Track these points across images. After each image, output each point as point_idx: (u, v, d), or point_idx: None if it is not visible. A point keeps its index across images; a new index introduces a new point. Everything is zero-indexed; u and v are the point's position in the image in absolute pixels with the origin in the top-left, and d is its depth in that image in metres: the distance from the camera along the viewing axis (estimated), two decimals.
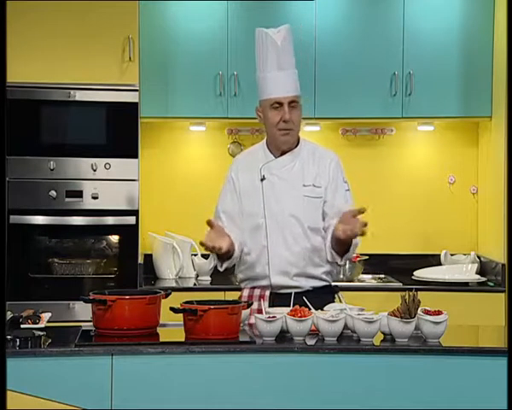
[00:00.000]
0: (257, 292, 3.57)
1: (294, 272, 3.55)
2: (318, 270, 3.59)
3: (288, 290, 3.50)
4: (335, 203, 3.57)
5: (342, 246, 3.49)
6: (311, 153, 3.65)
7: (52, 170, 4.81)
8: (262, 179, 3.59)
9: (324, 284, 3.62)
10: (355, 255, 5.10)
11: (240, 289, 3.70)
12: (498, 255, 4.96)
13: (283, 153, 3.61)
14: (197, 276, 5.20)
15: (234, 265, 3.67)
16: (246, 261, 3.62)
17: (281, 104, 3.53)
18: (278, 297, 3.48)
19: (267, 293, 3.55)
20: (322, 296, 3.47)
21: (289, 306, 3.20)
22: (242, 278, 3.67)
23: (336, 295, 3.68)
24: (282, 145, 3.59)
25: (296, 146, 3.63)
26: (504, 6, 4.78)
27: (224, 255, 3.53)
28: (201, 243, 3.40)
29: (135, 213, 4.86)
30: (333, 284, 3.69)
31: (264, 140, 3.69)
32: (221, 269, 3.63)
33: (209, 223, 3.43)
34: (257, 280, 3.59)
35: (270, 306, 3.44)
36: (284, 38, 3.55)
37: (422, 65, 5.10)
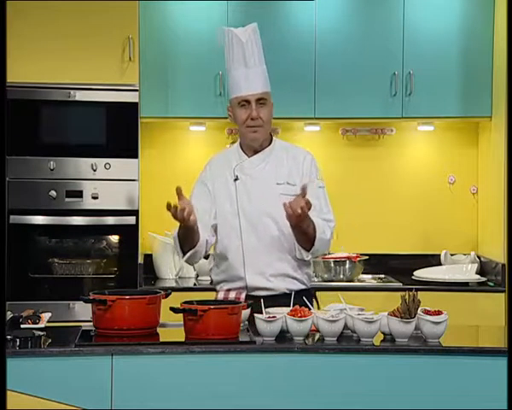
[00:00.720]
0: (232, 295, 3.52)
1: (270, 273, 3.52)
2: (294, 270, 3.55)
3: (264, 293, 3.47)
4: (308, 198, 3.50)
5: (301, 236, 3.44)
6: (284, 151, 3.62)
7: (52, 170, 4.81)
8: (235, 179, 3.57)
9: (301, 287, 3.57)
10: (354, 255, 5.11)
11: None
12: (498, 255, 4.96)
13: (256, 152, 3.59)
14: (197, 276, 5.20)
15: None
16: (221, 262, 3.59)
17: (248, 102, 3.51)
18: (254, 300, 3.37)
19: (243, 296, 3.50)
20: (298, 301, 3.30)
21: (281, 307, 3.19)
22: (218, 279, 3.63)
23: (314, 299, 3.61)
24: (251, 142, 3.57)
25: (269, 145, 3.61)
26: (504, 6, 4.78)
27: (189, 239, 3.45)
28: (169, 206, 3.30)
29: (135, 213, 4.86)
30: (310, 286, 3.64)
31: (238, 140, 3.67)
32: (183, 258, 3.56)
33: (178, 190, 3.35)
34: (232, 281, 3.55)
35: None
36: (249, 35, 3.53)
37: (422, 65, 5.10)
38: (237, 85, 3.54)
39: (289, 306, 3.18)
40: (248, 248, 3.52)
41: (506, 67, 4.60)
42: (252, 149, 3.60)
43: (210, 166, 3.69)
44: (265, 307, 3.16)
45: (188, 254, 3.52)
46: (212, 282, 3.74)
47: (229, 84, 3.61)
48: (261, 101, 3.53)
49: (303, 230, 3.43)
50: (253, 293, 3.52)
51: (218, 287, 3.65)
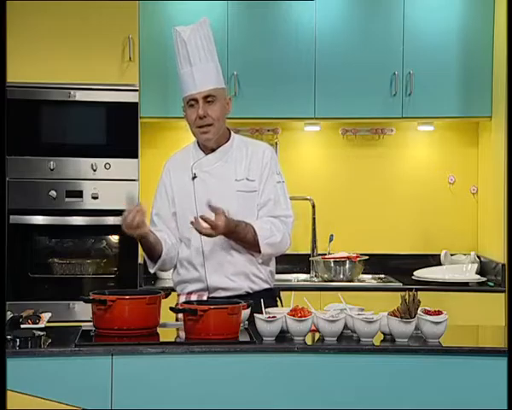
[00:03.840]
0: (193, 298, 3.45)
1: (231, 271, 3.46)
2: (256, 268, 3.50)
3: (225, 293, 3.44)
4: (264, 193, 3.49)
5: (240, 244, 3.43)
6: (243, 147, 3.56)
7: (52, 170, 4.81)
8: (193, 178, 3.51)
9: (264, 286, 3.53)
10: (354, 255, 5.11)
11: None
12: (498, 255, 4.96)
13: (213, 150, 3.54)
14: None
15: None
16: (181, 263, 3.54)
17: (196, 101, 3.46)
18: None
19: (204, 298, 3.44)
20: (263, 300, 3.25)
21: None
22: (178, 280, 3.56)
23: (278, 299, 3.59)
24: (203, 142, 3.52)
25: (227, 141, 3.56)
26: (504, 6, 4.78)
27: (154, 252, 3.45)
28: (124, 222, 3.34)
29: None
30: (274, 285, 3.60)
31: (195, 139, 3.60)
32: (152, 270, 3.54)
33: (129, 198, 3.39)
34: (193, 282, 3.50)
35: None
36: (193, 32, 3.46)
37: (422, 65, 5.10)
38: (184, 85, 3.49)
39: (256, 306, 3.14)
40: (208, 247, 3.46)
41: (506, 67, 4.60)
42: (208, 147, 3.54)
43: (168, 166, 3.63)
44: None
45: (157, 265, 3.50)
46: (172, 281, 3.66)
47: (179, 84, 3.55)
48: (209, 98, 3.45)
49: (239, 239, 3.41)
50: (215, 294, 3.46)
51: (178, 289, 3.58)
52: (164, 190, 3.59)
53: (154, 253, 3.48)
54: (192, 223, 3.33)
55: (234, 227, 3.38)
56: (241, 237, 3.42)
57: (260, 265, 3.52)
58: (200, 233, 3.34)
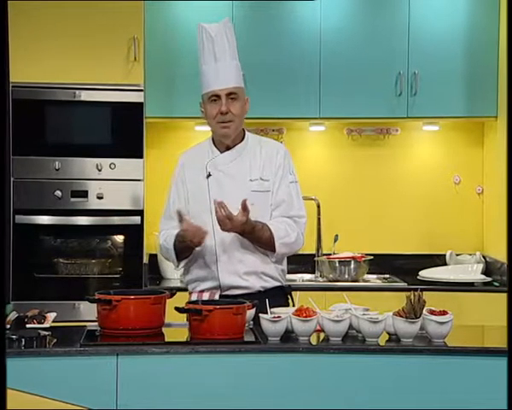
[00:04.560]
0: (206, 296, 3.47)
1: (244, 270, 3.48)
2: (269, 267, 3.52)
3: (238, 291, 3.45)
4: (278, 193, 3.52)
5: (256, 243, 3.46)
6: (257, 146, 3.58)
7: (57, 170, 4.81)
8: (208, 176, 3.53)
9: (276, 284, 3.54)
10: (359, 255, 5.11)
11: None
12: (504, 255, 4.95)
13: (228, 148, 3.56)
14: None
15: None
16: (193, 261, 3.55)
17: (218, 97, 3.48)
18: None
19: (216, 297, 3.45)
20: (274, 299, 3.33)
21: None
22: (190, 279, 3.58)
23: (289, 296, 3.60)
24: (222, 138, 3.54)
25: (242, 140, 3.58)
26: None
27: (187, 252, 3.48)
28: (181, 234, 3.36)
29: (140, 213, 4.87)
30: (285, 284, 3.62)
31: (211, 136, 3.64)
32: (178, 268, 3.57)
33: (180, 213, 3.38)
34: (206, 281, 3.51)
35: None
36: (220, 30, 3.49)
37: (428, 65, 5.09)
38: (207, 80, 3.50)
39: (264, 305, 3.15)
40: (221, 246, 3.48)
41: (506, 67, 4.59)
42: (224, 145, 3.56)
43: (182, 164, 3.65)
44: None
45: (182, 263, 3.54)
46: (181, 281, 3.69)
47: (200, 80, 3.55)
48: (232, 95, 3.48)
49: (256, 239, 3.45)
50: (227, 292, 3.48)
51: (190, 287, 3.59)
52: (180, 186, 3.61)
53: (188, 252, 3.50)
54: (217, 203, 3.34)
55: (251, 229, 3.42)
56: (257, 237, 3.45)
57: (272, 263, 3.53)
58: (219, 221, 3.34)
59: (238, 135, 3.57)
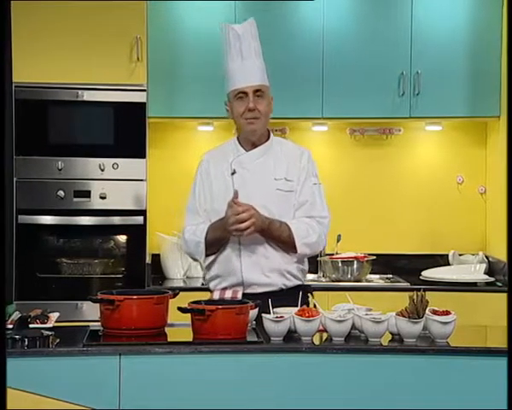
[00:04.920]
0: (228, 294, 3.48)
1: (267, 268, 3.50)
2: (291, 266, 3.54)
3: (261, 289, 3.47)
4: (302, 194, 3.55)
5: (276, 244, 3.48)
6: (281, 147, 3.62)
7: (60, 170, 4.82)
8: (232, 173, 3.55)
9: (297, 282, 3.57)
10: (361, 255, 5.10)
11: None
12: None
13: (254, 147, 3.58)
14: (205, 276, 5.19)
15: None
16: (217, 257, 3.56)
17: (246, 94, 3.51)
18: (251, 299, 3.28)
19: (239, 295, 3.46)
20: (294, 297, 3.31)
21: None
22: (212, 275, 3.59)
23: (310, 295, 3.62)
24: (249, 135, 3.56)
25: (267, 140, 3.61)
26: None
27: (218, 245, 3.50)
28: (231, 223, 3.37)
29: (142, 213, 4.87)
30: (306, 283, 3.65)
31: (236, 135, 3.66)
32: (206, 262, 3.57)
33: (236, 193, 3.41)
34: (228, 277, 3.53)
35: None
36: (246, 28, 3.54)
37: (430, 65, 5.09)
38: (234, 78, 3.53)
39: (288, 302, 3.16)
40: (245, 242, 3.49)
41: (506, 68, 4.58)
42: (249, 143, 3.58)
43: (207, 160, 3.66)
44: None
45: (209, 259, 3.55)
46: (204, 278, 3.69)
47: (226, 79, 3.58)
48: (258, 93, 3.52)
49: (275, 238, 3.47)
50: (249, 290, 3.49)
51: (211, 284, 3.61)
52: (205, 182, 3.62)
53: (216, 246, 3.52)
54: (233, 201, 3.38)
55: (267, 224, 3.44)
56: (275, 235, 3.47)
57: (294, 262, 3.55)
58: (235, 224, 3.38)
59: (263, 134, 3.60)
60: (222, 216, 3.47)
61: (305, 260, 3.65)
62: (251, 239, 3.47)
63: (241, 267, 3.51)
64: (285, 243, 3.49)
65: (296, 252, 3.51)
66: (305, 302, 3.47)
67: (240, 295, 3.45)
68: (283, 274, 3.53)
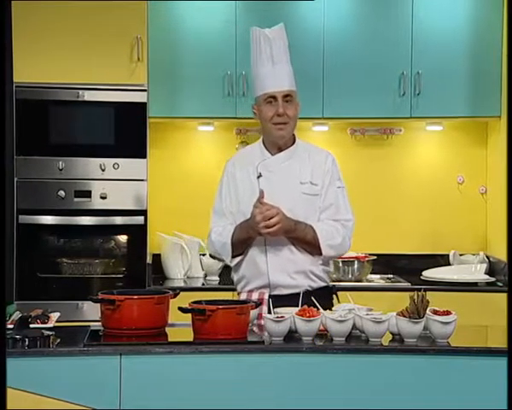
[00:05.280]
0: (255, 296, 3.51)
1: (293, 269, 3.52)
2: (316, 268, 3.56)
3: (287, 291, 3.49)
4: (326, 197, 3.57)
5: (301, 245, 3.50)
6: (306, 151, 3.64)
7: (61, 170, 4.82)
8: (258, 177, 3.57)
9: (322, 284, 3.59)
10: (362, 255, 5.10)
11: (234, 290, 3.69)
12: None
13: (280, 150, 3.60)
14: (205, 276, 5.20)
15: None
16: (243, 259, 3.58)
17: (275, 98, 3.53)
18: (277, 301, 3.36)
19: (266, 296, 3.49)
20: (320, 298, 3.35)
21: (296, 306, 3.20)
22: (240, 277, 3.62)
23: (335, 296, 3.65)
24: (277, 140, 3.58)
25: (292, 144, 3.63)
26: None
27: (245, 246, 3.52)
28: (256, 222, 3.39)
29: (143, 213, 4.87)
30: (331, 284, 3.67)
31: (261, 139, 3.67)
32: (232, 263, 3.58)
33: (262, 192, 3.43)
34: (254, 279, 3.55)
35: (268, 311, 3.29)
36: (277, 33, 3.56)
37: (431, 65, 5.09)
38: (264, 82, 3.56)
39: (310, 304, 3.18)
40: (271, 245, 3.52)
41: (506, 68, 4.58)
42: (276, 147, 3.61)
43: (232, 162, 3.69)
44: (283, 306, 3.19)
45: (238, 258, 3.56)
46: (233, 282, 3.72)
47: (254, 82, 3.61)
48: (287, 98, 3.55)
49: (300, 239, 3.49)
50: (276, 292, 3.52)
51: (238, 287, 3.64)
52: (231, 184, 3.64)
53: (243, 247, 3.54)
54: (259, 201, 3.41)
55: (293, 225, 3.46)
56: (300, 236, 3.49)
57: (319, 265, 3.57)
58: (262, 221, 3.40)
59: (290, 138, 3.63)
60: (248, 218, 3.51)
61: (330, 261, 3.69)
62: (277, 241, 3.50)
63: (267, 269, 3.53)
64: (310, 244, 3.51)
65: (321, 254, 3.53)
66: (330, 304, 3.51)
67: (266, 297, 3.48)
68: (309, 276, 3.55)
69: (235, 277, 3.67)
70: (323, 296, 3.46)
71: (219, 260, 3.71)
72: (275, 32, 3.56)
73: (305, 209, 3.51)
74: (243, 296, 3.55)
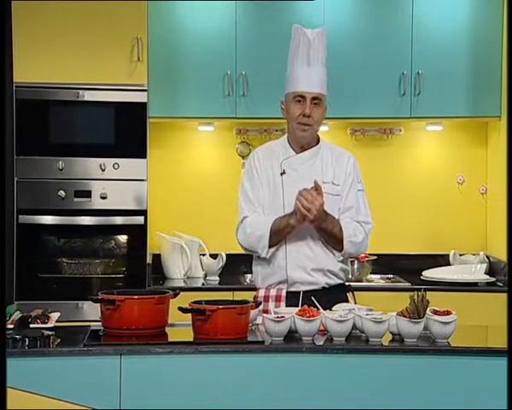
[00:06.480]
0: (273, 292, 3.56)
1: (311, 267, 3.56)
2: (334, 265, 3.59)
3: (304, 288, 3.51)
4: (347, 199, 3.62)
5: (327, 237, 3.53)
6: (329, 152, 3.68)
7: (61, 170, 4.82)
8: (282, 173, 3.61)
9: (339, 281, 3.62)
10: (362, 255, 5.10)
11: (252, 289, 3.72)
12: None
13: (303, 149, 3.64)
14: (205, 276, 5.20)
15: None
16: (263, 256, 3.60)
17: (304, 98, 3.56)
18: (295, 297, 3.43)
19: (283, 293, 3.54)
20: (336, 295, 3.48)
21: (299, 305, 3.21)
22: (260, 272, 3.64)
23: (349, 294, 3.69)
24: (299, 140, 3.62)
25: (317, 144, 3.67)
26: None
27: (282, 236, 3.53)
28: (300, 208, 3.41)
29: (143, 213, 4.87)
30: (347, 283, 3.71)
31: (285, 136, 3.71)
32: (268, 255, 3.56)
33: (316, 183, 3.46)
34: (273, 274, 3.59)
35: (287, 306, 3.40)
36: (317, 35, 3.58)
37: (431, 65, 5.09)
38: (296, 80, 3.58)
39: (329, 300, 3.21)
40: (291, 241, 3.55)
41: (506, 68, 4.59)
42: (299, 146, 3.64)
43: (257, 157, 3.70)
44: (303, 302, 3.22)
45: (272, 250, 3.55)
46: (252, 276, 3.76)
47: (287, 79, 3.63)
48: (316, 100, 3.57)
49: (328, 231, 3.52)
50: (293, 288, 3.55)
51: (258, 281, 3.65)
52: (256, 176, 3.64)
53: (279, 238, 3.55)
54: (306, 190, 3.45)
55: (326, 215, 3.50)
56: (329, 228, 3.53)
57: (338, 262, 3.60)
58: (302, 210, 3.43)
59: (314, 138, 3.66)
60: (268, 214, 3.54)
61: (348, 260, 3.73)
62: (296, 238, 3.53)
63: (286, 266, 3.56)
64: (335, 237, 3.54)
65: (341, 250, 3.56)
66: (345, 301, 3.55)
67: (284, 294, 3.52)
68: (326, 273, 3.58)
69: (254, 272, 3.70)
70: (340, 294, 3.52)
71: (251, 251, 3.67)
72: (315, 34, 3.58)
73: (326, 208, 3.52)
74: (261, 292, 3.58)
